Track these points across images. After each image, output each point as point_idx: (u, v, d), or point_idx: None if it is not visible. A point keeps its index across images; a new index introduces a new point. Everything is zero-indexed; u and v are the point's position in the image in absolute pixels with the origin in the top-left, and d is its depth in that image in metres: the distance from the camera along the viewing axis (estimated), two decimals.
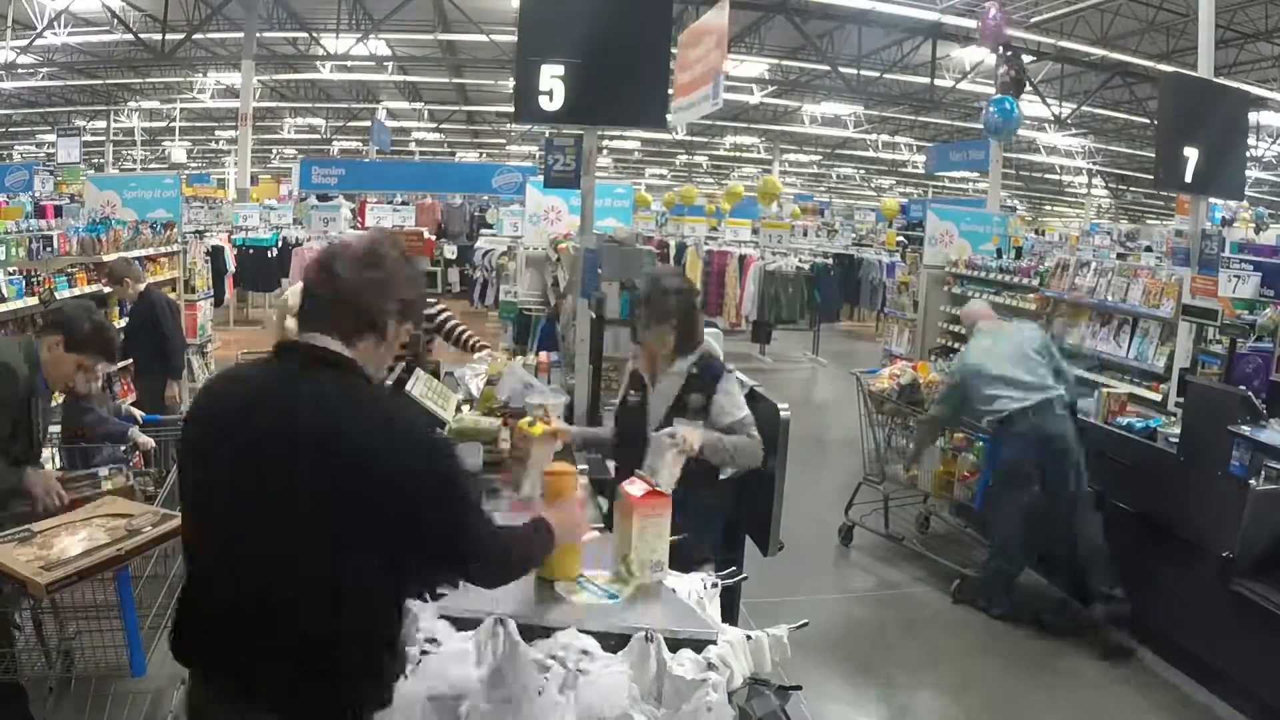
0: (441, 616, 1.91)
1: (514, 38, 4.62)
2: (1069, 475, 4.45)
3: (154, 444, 4.13)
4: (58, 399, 4.87)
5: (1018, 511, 4.56)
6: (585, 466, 3.30)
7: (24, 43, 13.82)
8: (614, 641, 1.88)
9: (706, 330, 4.28)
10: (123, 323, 5.68)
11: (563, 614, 1.97)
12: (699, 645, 1.92)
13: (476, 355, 4.47)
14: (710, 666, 1.87)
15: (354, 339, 1.68)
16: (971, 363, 4.80)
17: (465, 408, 3.99)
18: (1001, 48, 10.73)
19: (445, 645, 1.83)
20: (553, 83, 4.00)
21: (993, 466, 4.84)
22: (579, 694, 1.76)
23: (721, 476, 3.70)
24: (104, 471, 3.28)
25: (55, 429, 4.06)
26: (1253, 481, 3.79)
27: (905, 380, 5.48)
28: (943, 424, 5.14)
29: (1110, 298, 6.25)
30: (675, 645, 1.89)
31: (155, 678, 2.80)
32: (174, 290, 7.57)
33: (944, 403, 4.97)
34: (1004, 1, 12.14)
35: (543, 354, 4.69)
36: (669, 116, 5.32)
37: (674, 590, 2.21)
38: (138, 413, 4.49)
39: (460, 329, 4.78)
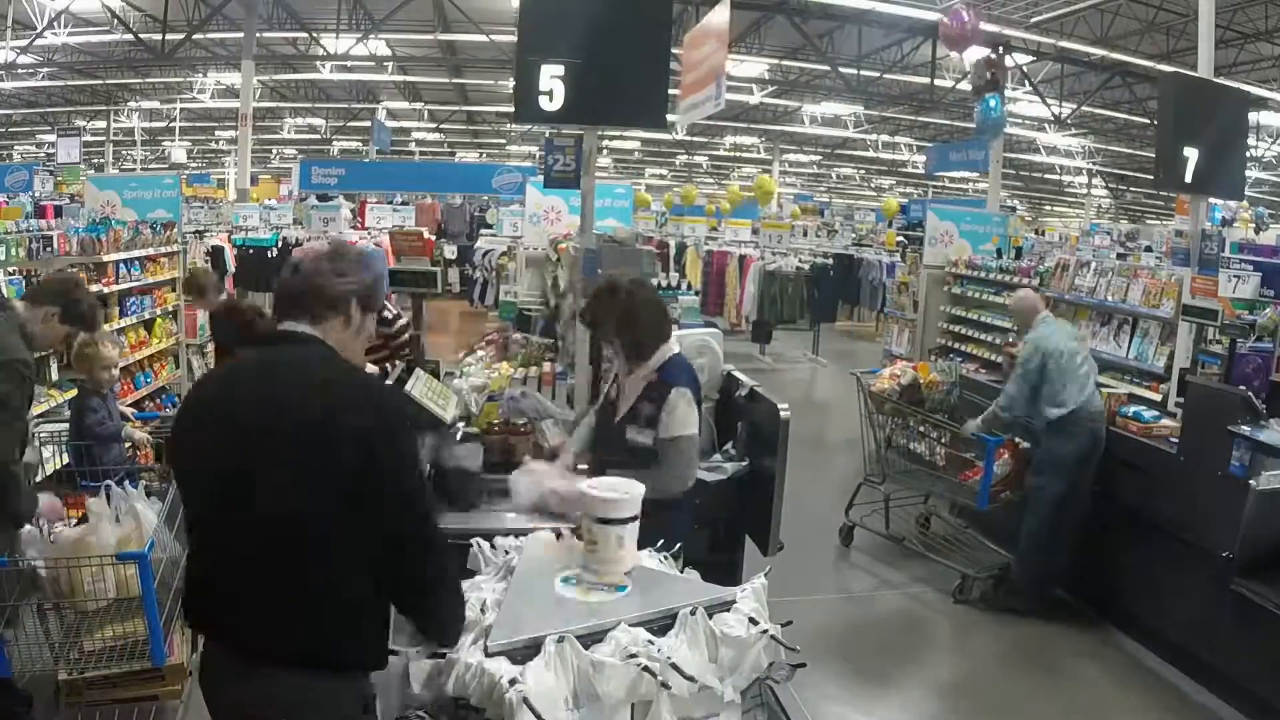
0: (492, 655, 1.80)
1: (514, 38, 4.62)
2: (1094, 473, 4.61)
3: (149, 439, 4.18)
4: (58, 398, 4.88)
5: (1059, 506, 4.59)
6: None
7: (24, 43, 13.81)
8: (656, 628, 1.89)
9: (706, 330, 4.29)
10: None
11: (597, 615, 1.93)
12: (722, 607, 1.98)
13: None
14: (752, 621, 1.91)
15: (319, 320, 1.90)
16: (1056, 346, 4.69)
17: (461, 424, 3.96)
18: (1000, 49, 10.72)
19: (529, 680, 1.73)
20: (553, 83, 3.99)
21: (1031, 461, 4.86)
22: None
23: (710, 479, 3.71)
24: None
25: (63, 427, 4.09)
26: (1253, 481, 3.79)
27: (906, 380, 5.46)
28: (1012, 413, 4.82)
29: (1110, 298, 6.24)
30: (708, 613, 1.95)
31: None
32: (174, 290, 7.56)
33: (1023, 380, 4.72)
34: (1004, 1, 12.15)
35: (546, 365, 4.67)
36: (673, 117, 5.31)
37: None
38: (130, 411, 4.51)
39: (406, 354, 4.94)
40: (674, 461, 2.88)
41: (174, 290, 7.57)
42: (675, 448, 2.88)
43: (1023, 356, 4.84)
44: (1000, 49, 10.67)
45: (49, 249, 5.87)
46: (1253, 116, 11.67)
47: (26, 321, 3.10)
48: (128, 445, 4.20)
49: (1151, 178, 7.46)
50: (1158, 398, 5.58)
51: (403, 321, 5.04)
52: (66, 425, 4.09)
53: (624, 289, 3.01)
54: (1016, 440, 4.92)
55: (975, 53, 10.64)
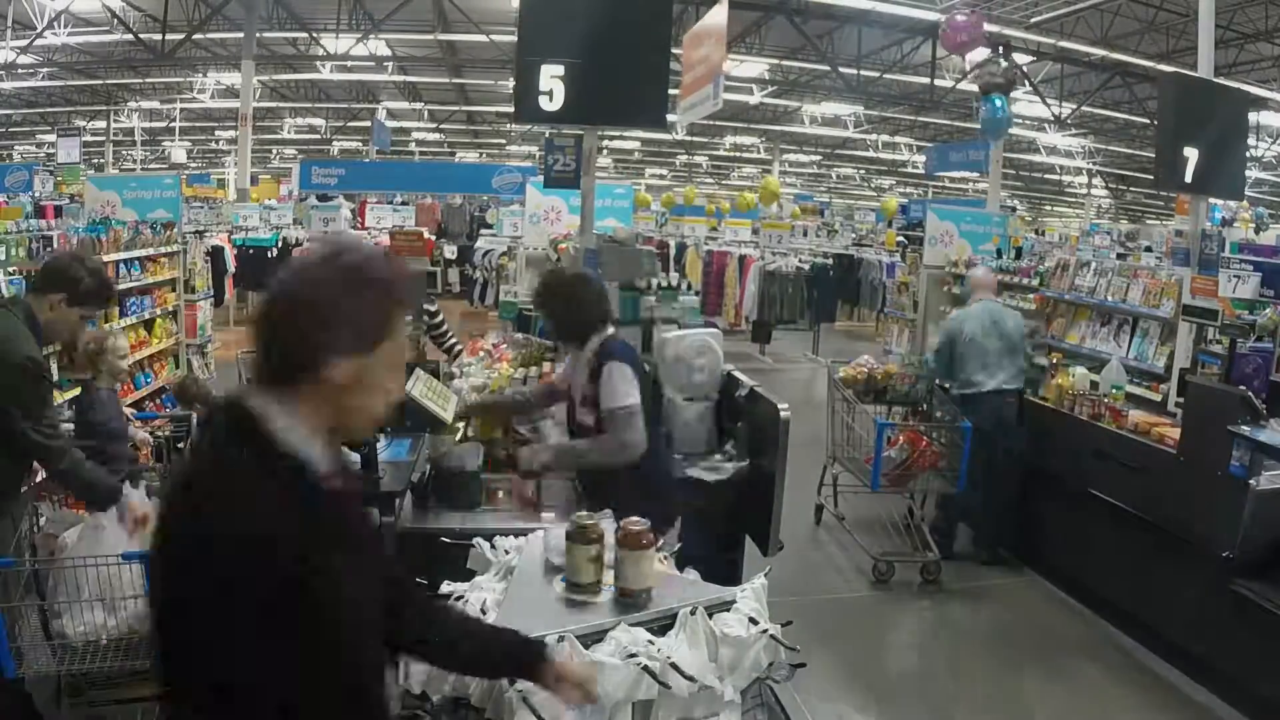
0: None
1: (514, 38, 4.63)
2: (1001, 451, 5.15)
3: (150, 439, 4.18)
4: (58, 398, 4.88)
5: (981, 471, 5.09)
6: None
7: (24, 43, 13.81)
8: (656, 628, 1.90)
9: (706, 330, 4.30)
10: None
11: (601, 616, 1.95)
12: (722, 607, 1.99)
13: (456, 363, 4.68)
14: (752, 621, 1.93)
15: (287, 388, 1.27)
16: (962, 328, 5.33)
17: (461, 425, 3.95)
18: (1001, 48, 10.73)
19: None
20: (553, 83, 4.01)
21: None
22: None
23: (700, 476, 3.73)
24: None
25: (68, 426, 4.08)
26: (1253, 481, 3.79)
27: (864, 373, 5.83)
28: (935, 379, 5.60)
29: (1110, 298, 6.24)
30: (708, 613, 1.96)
31: None
32: (174, 290, 7.56)
33: (937, 361, 5.50)
34: (1004, 1, 12.15)
35: (546, 365, 4.65)
36: (672, 117, 5.32)
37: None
38: (130, 411, 4.51)
39: (452, 340, 5.09)
40: (616, 430, 2.98)
41: (174, 290, 7.57)
42: (613, 419, 2.99)
43: (939, 331, 5.62)
44: (1001, 49, 10.67)
45: (49, 249, 5.87)
46: (1253, 116, 11.66)
47: (36, 313, 2.97)
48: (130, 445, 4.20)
49: (1151, 178, 7.47)
50: (1158, 398, 5.58)
51: (437, 307, 5.28)
52: (69, 425, 4.08)
53: (549, 284, 3.32)
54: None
55: (981, 53, 10.66)
